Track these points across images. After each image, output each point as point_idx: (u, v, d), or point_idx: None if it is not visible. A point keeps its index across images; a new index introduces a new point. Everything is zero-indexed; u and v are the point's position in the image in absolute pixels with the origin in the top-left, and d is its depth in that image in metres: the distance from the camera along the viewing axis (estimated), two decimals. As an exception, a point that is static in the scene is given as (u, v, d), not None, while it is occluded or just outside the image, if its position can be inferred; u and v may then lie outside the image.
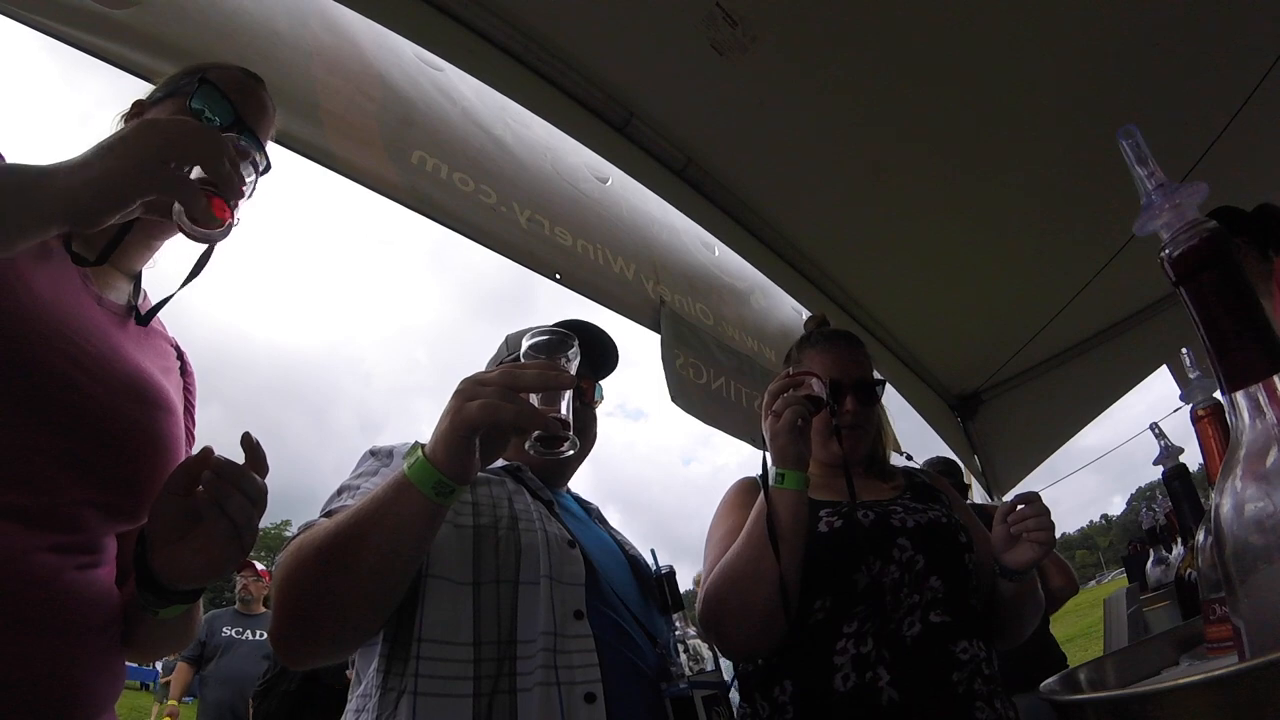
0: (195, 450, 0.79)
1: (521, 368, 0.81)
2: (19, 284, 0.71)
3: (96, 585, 0.76)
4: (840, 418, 1.31)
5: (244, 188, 0.77)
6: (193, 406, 0.96)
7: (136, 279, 0.92)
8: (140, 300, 0.92)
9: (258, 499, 0.74)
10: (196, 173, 0.72)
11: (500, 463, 1.11)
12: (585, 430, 1.20)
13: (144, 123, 0.71)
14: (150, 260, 0.93)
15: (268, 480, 0.77)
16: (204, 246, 0.83)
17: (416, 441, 0.83)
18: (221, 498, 0.71)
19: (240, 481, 0.73)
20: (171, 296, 0.92)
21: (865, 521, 1.21)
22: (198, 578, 0.74)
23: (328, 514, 0.91)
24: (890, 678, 1.09)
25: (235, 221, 0.77)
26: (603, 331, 1.23)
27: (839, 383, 1.33)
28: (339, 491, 0.98)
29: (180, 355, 0.97)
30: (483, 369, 0.93)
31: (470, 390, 0.78)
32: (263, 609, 4.20)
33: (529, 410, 0.78)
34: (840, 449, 1.28)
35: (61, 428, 0.72)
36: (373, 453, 1.07)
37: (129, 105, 0.95)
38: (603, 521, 1.25)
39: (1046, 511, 1.18)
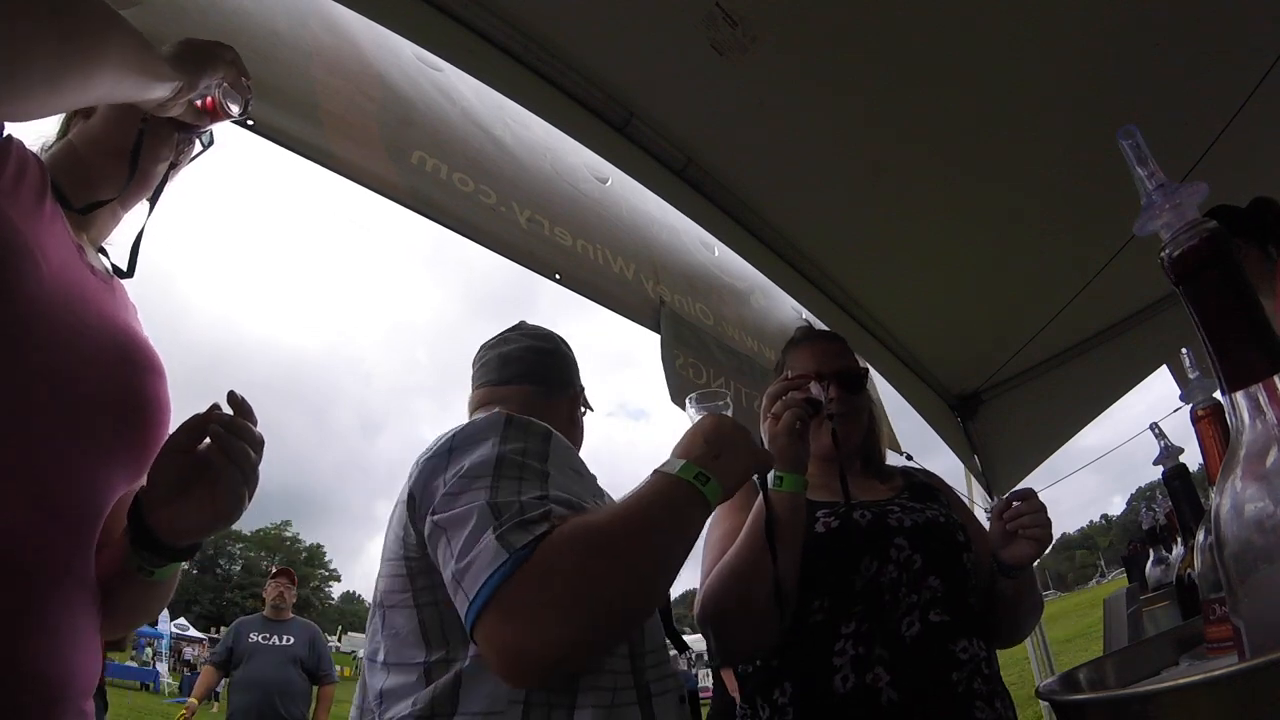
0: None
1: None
2: (38, 252, 0.71)
3: (90, 564, 0.76)
4: (825, 406, 1.30)
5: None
6: None
7: (100, 252, 0.93)
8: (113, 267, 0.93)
9: (258, 446, 0.79)
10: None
11: None
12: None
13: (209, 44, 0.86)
14: (112, 232, 0.94)
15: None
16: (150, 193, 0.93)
17: (689, 462, 0.86)
18: (229, 448, 0.75)
19: (244, 432, 0.77)
20: (143, 229, 0.94)
21: (862, 521, 1.21)
22: (203, 530, 0.78)
23: (542, 498, 0.78)
24: (890, 678, 1.09)
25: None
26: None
27: (820, 373, 1.33)
28: (519, 469, 0.82)
29: None
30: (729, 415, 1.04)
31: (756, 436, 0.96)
32: (292, 615, 4.26)
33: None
34: (832, 443, 1.28)
35: (73, 397, 0.72)
36: (540, 434, 0.91)
37: None
38: None
39: (1042, 507, 1.18)
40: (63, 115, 0.95)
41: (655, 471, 0.86)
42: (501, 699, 0.76)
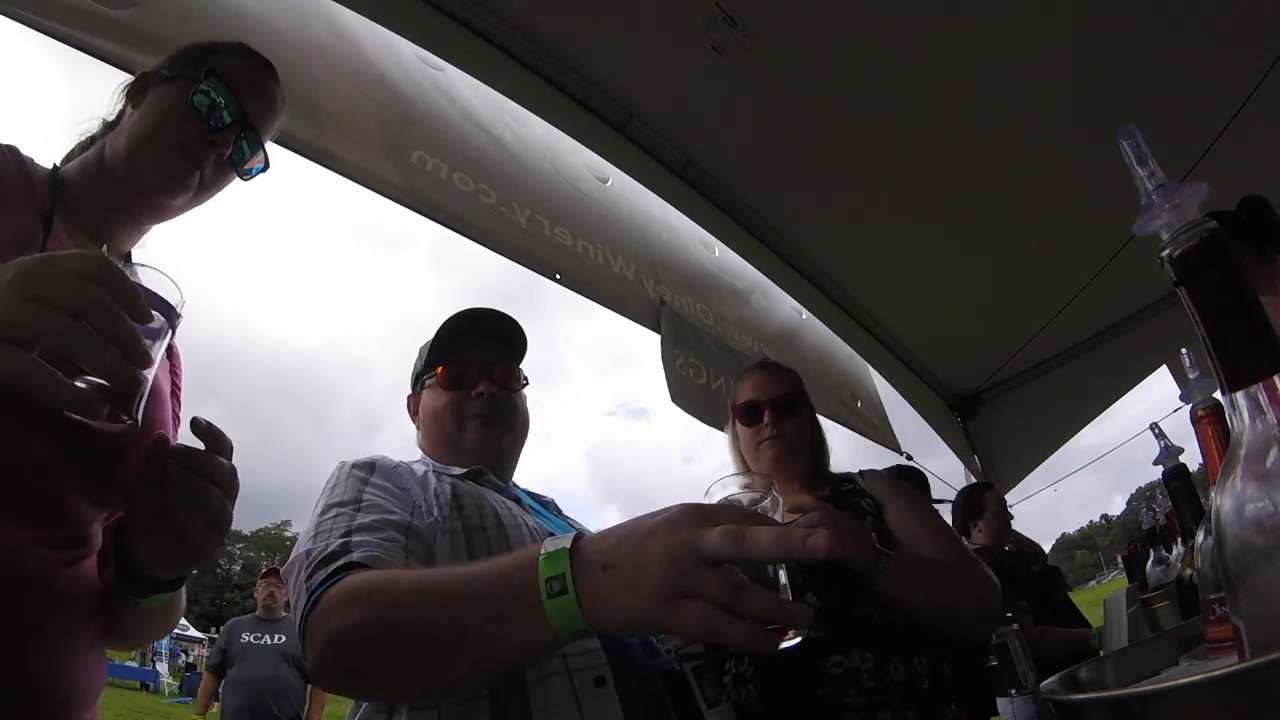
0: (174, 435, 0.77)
1: (755, 536, 0.54)
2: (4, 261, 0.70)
3: (84, 578, 0.76)
4: (760, 432, 1.44)
5: (143, 375, 0.61)
6: (178, 389, 0.94)
7: (125, 259, 0.92)
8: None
9: (228, 484, 0.70)
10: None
11: (457, 469, 1.11)
12: (510, 414, 1.19)
13: (23, 273, 0.56)
14: (140, 240, 0.93)
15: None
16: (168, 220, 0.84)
17: (565, 550, 0.60)
18: (193, 492, 0.67)
19: (211, 471, 0.68)
20: None
21: None
22: (177, 567, 0.73)
23: (347, 534, 0.84)
24: (759, 694, 1.20)
25: (135, 422, 0.62)
26: (502, 313, 1.21)
27: (758, 401, 1.47)
28: (325, 510, 0.91)
29: None
30: (701, 502, 0.66)
31: (692, 573, 0.54)
32: (284, 614, 4.24)
33: (758, 639, 0.56)
34: (767, 465, 1.40)
35: (47, 415, 0.70)
36: (361, 466, 1.02)
37: (135, 77, 0.93)
38: (559, 513, 1.25)
39: (813, 519, 1.18)
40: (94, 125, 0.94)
41: (541, 546, 0.62)
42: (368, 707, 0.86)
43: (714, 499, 0.74)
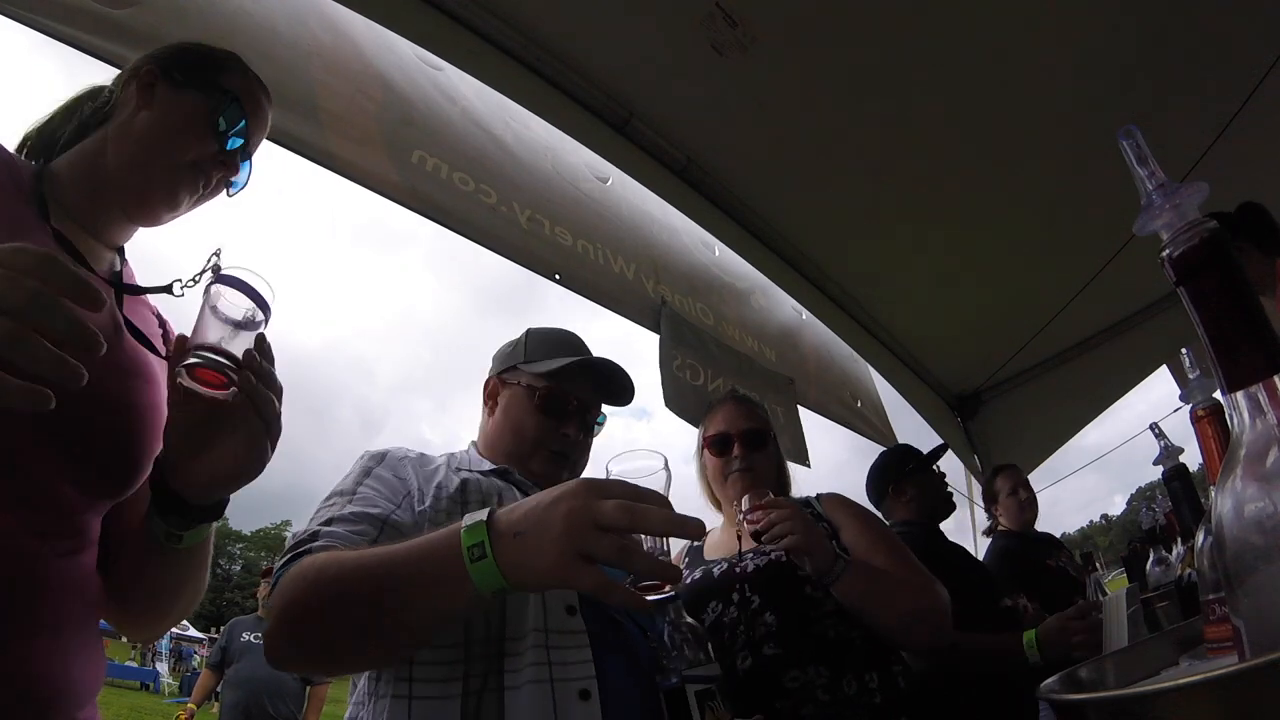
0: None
1: (645, 513, 0.67)
2: None
3: (79, 572, 0.75)
4: (730, 463, 1.53)
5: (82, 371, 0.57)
6: None
7: (120, 250, 0.91)
8: (122, 267, 0.91)
9: (280, 394, 0.75)
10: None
11: (488, 465, 1.12)
12: (579, 458, 1.22)
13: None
14: (129, 236, 0.92)
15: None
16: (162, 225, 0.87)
17: (481, 523, 0.70)
18: (254, 397, 0.72)
19: (269, 379, 0.73)
20: None
21: (716, 572, 1.41)
22: (229, 483, 0.75)
23: (328, 522, 0.90)
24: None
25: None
26: (618, 367, 1.23)
27: (728, 434, 1.55)
28: (329, 496, 0.97)
29: (163, 324, 0.94)
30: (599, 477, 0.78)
31: (588, 537, 0.65)
32: None
33: (634, 601, 0.70)
34: (734, 493, 1.47)
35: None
36: (372, 456, 1.07)
37: (140, 70, 0.90)
38: None
39: (785, 514, 1.26)
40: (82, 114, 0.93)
41: (463, 521, 0.72)
42: (364, 692, 0.92)
43: (612, 475, 0.84)
